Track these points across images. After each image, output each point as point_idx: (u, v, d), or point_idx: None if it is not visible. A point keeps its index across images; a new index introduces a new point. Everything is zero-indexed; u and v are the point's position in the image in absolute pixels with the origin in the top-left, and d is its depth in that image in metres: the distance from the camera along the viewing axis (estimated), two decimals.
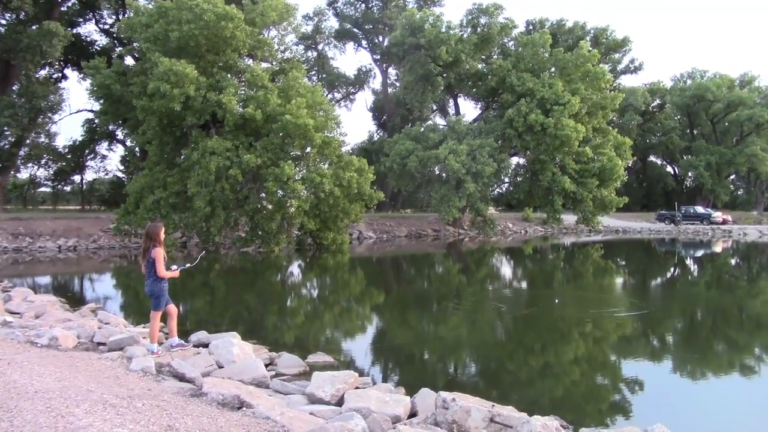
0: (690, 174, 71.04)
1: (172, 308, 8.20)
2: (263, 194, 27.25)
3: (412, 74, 41.25)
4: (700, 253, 33.64)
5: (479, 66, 43.13)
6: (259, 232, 27.20)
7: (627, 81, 65.89)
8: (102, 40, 43.28)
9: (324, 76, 50.93)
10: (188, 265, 8.88)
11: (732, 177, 75.46)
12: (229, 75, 28.43)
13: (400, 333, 11.90)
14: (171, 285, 8.23)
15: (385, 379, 8.03)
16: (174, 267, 8.18)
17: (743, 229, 49.45)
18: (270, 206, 27.05)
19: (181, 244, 27.96)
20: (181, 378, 6.68)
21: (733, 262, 29.25)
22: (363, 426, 5.01)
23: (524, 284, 20.65)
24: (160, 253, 7.84)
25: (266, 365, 7.72)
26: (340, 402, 6.19)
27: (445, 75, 42.20)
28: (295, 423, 5.15)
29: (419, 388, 6.41)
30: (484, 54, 43.07)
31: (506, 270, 25.54)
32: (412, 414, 5.86)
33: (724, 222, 55.13)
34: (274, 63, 32.49)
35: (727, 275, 23.10)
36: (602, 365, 9.44)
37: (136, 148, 37.83)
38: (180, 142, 28.63)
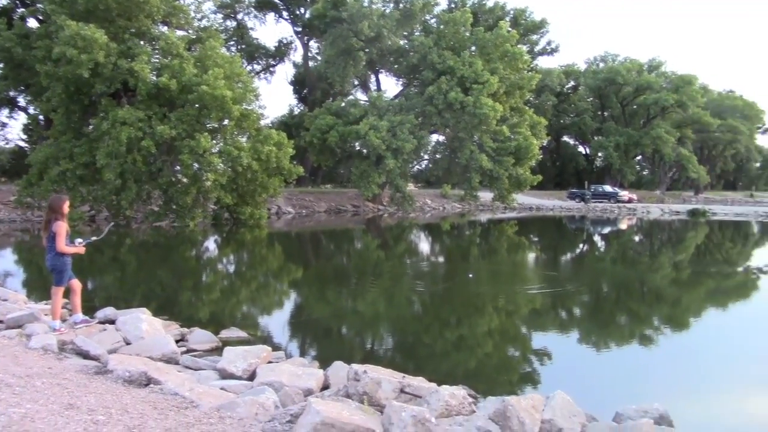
0: (600, 154, 73.90)
1: (76, 283, 7.84)
2: (178, 167, 26.45)
3: (333, 48, 40.79)
4: (607, 230, 35.18)
5: (401, 42, 43.12)
6: (173, 206, 26.40)
7: (543, 62, 67.66)
8: (1, 0, 40.46)
9: (243, 46, 49.55)
10: (94, 238, 8.51)
11: (638, 158, 79.09)
12: (141, 42, 27.26)
13: (317, 308, 11.88)
14: (78, 260, 7.89)
15: (301, 354, 8.00)
16: (79, 241, 7.82)
17: (647, 208, 52.01)
18: (185, 179, 26.30)
19: (89, 218, 26.78)
20: (86, 355, 6.42)
21: (636, 238, 30.75)
22: (274, 399, 4.97)
23: (441, 260, 21.02)
24: (62, 227, 7.47)
25: (177, 341, 7.52)
26: (252, 377, 6.12)
27: (367, 50, 41.96)
28: (204, 398, 5.05)
29: (334, 362, 6.42)
30: (406, 30, 43.08)
31: (424, 246, 25.91)
32: (325, 387, 5.87)
33: (630, 201, 57.82)
34: (190, 31, 31.38)
35: (631, 251, 24.29)
36: (513, 337, 9.75)
37: (40, 117, 35.64)
38: (88, 111, 27.27)
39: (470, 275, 15.88)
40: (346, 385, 5.18)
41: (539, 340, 9.36)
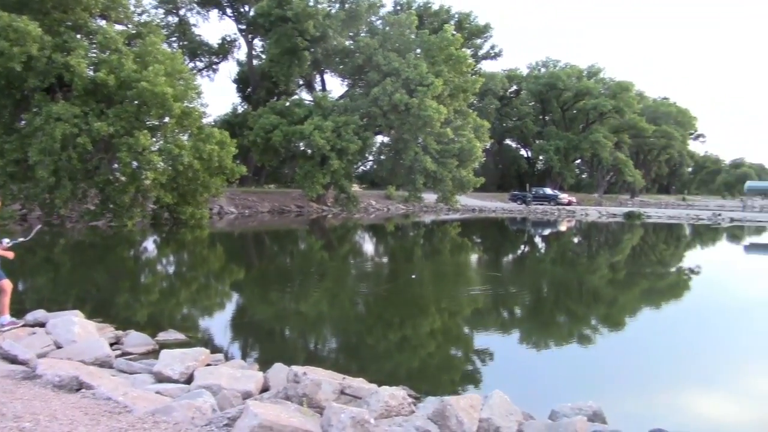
0: (541, 157, 75.54)
1: (6, 284, 7.52)
2: (116, 165, 25.69)
3: (278, 47, 40.44)
4: (547, 231, 35.96)
5: (347, 43, 43.08)
6: (111, 206, 25.64)
7: (487, 66, 68.75)
8: None
9: (185, 43, 48.53)
10: (22, 239, 8.17)
11: (578, 161, 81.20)
12: (78, 36, 26.34)
13: (259, 309, 11.73)
14: (8, 260, 7.56)
15: (241, 356, 7.87)
16: (5, 241, 7.50)
17: (585, 210, 53.42)
18: (123, 178, 25.56)
19: (21, 216, 25.75)
20: (13, 360, 6.15)
21: (575, 240, 31.55)
22: (211, 403, 4.87)
23: (385, 261, 21.07)
24: None
25: (111, 344, 7.30)
26: (189, 380, 5.99)
27: (312, 50, 41.76)
28: (139, 403, 4.91)
29: (274, 364, 6.34)
30: (352, 31, 43.07)
31: (368, 247, 25.93)
32: (265, 389, 5.79)
33: (569, 203, 59.29)
34: (129, 26, 30.49)
35: (570, 252, 24.90)
36: (455, 338, 9.84)
37: None
38: (20, 106, 26.21)
39: (413, 276, 15.96)
40: (285, 387, 5.13)
41: (480, 340, 9.48)
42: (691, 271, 18.90)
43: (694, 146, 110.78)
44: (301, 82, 50.22)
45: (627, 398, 6.57)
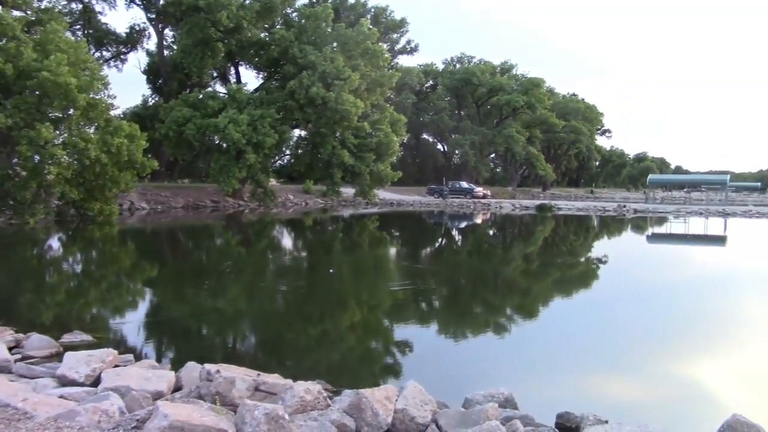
0: (457, 151, 77.07)
1: None
2: (16, 159, 24.28)
3: (190, 37, 39.28)
4: (463, 224, 36.69)
5: (262, 35, 42.44)
6: (10, 202, 24.21)
7: (404, 61, 69.30)
8: None
9: (90, 32, 46.38)
10: None
11: (492, 156, 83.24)
12: None
13: (173, 307, 11.38)
14: None
15: (153, 356, 7.61)
16: None
17: (500, 203, 54.83)
18: (24, 172, 24.18)
19: None
20: None
21: (491, 232, 32.35)
22: (119, 405, 4.68)
23: (303, 255, 20.92)
24: None
25: (10, 348, 6.89)
26: (96, 383, 5.72)
27: (226, 41, 40.79)
28: (40, 408, 4.65)
29: (187, 363, 6.16)
30: (267, 23, 42.45)
31: (286, 241, 25.67)
32: (177, 389, 5.62)
33: (485, 196, 60.72)
34: (29, 12, 28.90)
35: (485, 244, 25.52)
36: (373, 331, 9.88)
37: None
38: None
39: (331, 270, 15.92)
40: (198, 386, 4.99)
41: (398, 332, 9.55)
42: (599, 260, 19.74)
43: (601, 141, 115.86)
44: (214, 74, 48.99)
45: (537, 384, 6.79)
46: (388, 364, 7.86)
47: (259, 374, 5.26)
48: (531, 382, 6.82)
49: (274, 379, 5.14)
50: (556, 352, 8.34)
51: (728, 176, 77.15)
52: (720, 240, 28.21)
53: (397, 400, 4.62)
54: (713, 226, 36.02)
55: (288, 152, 45.71)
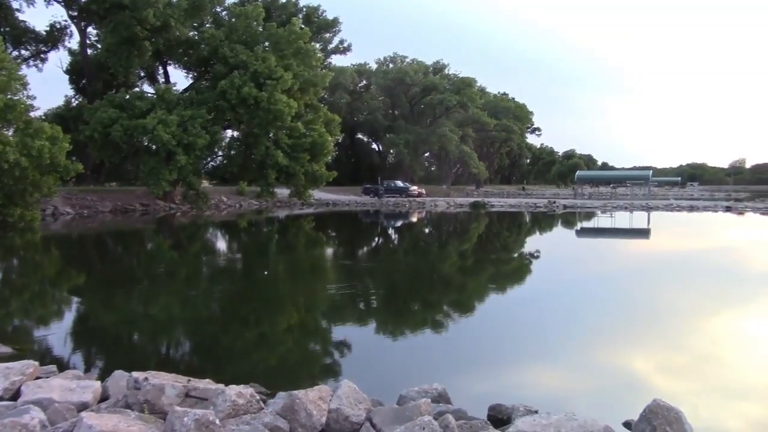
0: (392, 151, 77.45)
1: None
2: None
3: (114, 36, 38.02)
4: (399, 223, 36.90)
5: (191, 34, 41.52)
6: None
7: (337, 60, 69.12)
8: None
9: (7, 29, 44.29)
10: None
11: (426, 154, 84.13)
12: None
13: (101, 316, 10.96)
14: None
15: (79, 366, 7.29)
16: None
17: (435, 201, 55.44)
18: None
19: None
20: None
21: (427, 230, 32.66)
22: (41, 419, 4.45)
23: (238, 258, 20.57)
24: None
25: None
26: (15, 396, 5.44)
27: (153, 40, 39.69)
28: None
29: (114, 372, 5.93)
30: (196, 21, 41.59)
31: (221, 244, 25.21)
32: (104, 399, 5.40)
33: (420, 195, 61.26)
34: None
35: (421, 242, 25.73)
36: (308, 332, 9.78)
37: None
38: None
39: (266, 272, 15.72)
40: (126, 394, 4.81)
41: (334, 332, 9.50)
42: (531, 255, 20.20)
43: (531, 139, 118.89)
44: (142, 74, 47.64)
45: (471, 378, 6.87)
46: (323, 365, 7.80)
47: (189, 380, 5.11)
48: (465, 376, 6.91)
49: (205, 384, 5.01)
50: (491, 346, 8.47)
51: (650, 172, 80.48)
52: (644, 233, 29.33)
53: (331, 400, 4.58)
54: (638, 219, 37.44)
55: (220, 153, 44.91)
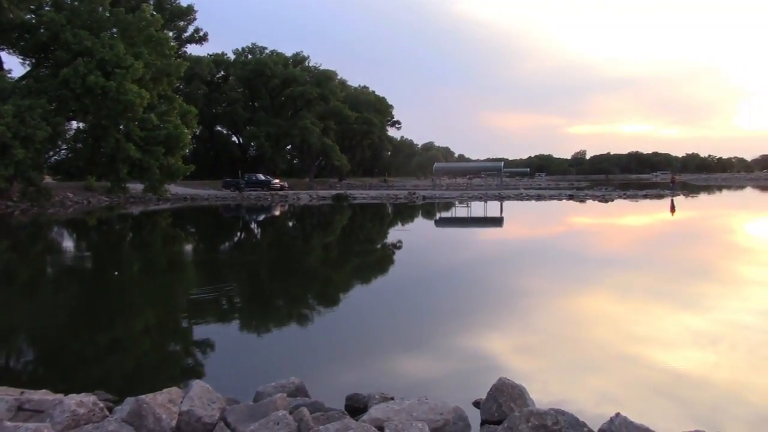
0: (253, 143, 76.12)
1: None
2: None
3: None
4: (261, 217, 36.26)
5: (27, 17, 38.21)
6: None
7: (192, 50, 66.56)
8: None
9: None
10: None
11: (288, 147, 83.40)
12: None
13: None
14: None
15: None
16: None
17: (297, 194, 55.06)
18: None
19: None
20: None
21: (290, 224, 32.32)
22: None
23: (87, 258, 19.23)
24: None
25: None
26: None
27: None
28: None
29: None
30: (33, 4, 38.33)
31: (67, 244, 23.47)
32: None
33: (282, 188, 60.66)
34: None
35: (285, 236, 25.43)
36: (164, 334, 9.31)
37: None
38: None
39: (116, 273, 14.82)
40: None
41: (191, 332, 9.11)
42: (392, 246, 20.57)
43: (392, 132, 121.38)
44: None
45: (330, 370, 6.86)
46: (180, 367, 7.46)
47: (23, 392, 4.68)
48: (325, 369, 6.88)
49: (41, 395, 4.59)
50: (351, 337, 8.51)
51: (502, 163, 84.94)
52: (497, 221, 30.85)
53: (182, 402, 4.36)
54: (492, 208, 39.34)
55: (65, 146, 41.79)
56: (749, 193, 60.89)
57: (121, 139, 35.91)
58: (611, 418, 4.24)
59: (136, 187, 41.26)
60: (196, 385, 4.53)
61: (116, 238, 24.82)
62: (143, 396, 4.25)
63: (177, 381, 6.74)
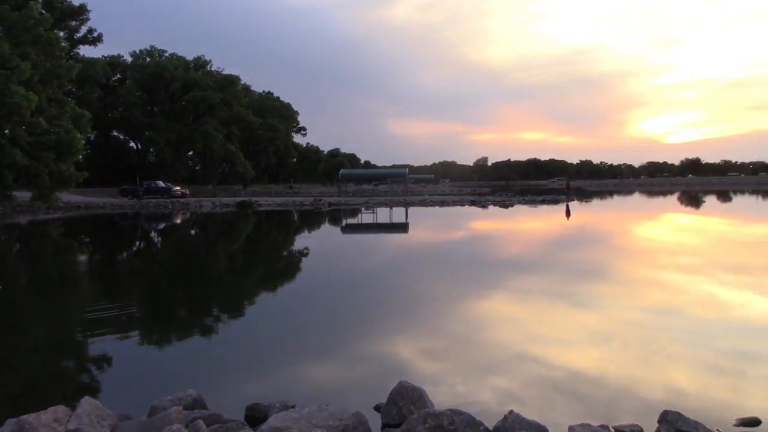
0: (152, 149, 73.54)
1: None
2: None
3: None
4: (162, 225, 35.04)
5: None
6: None
7: (86, 51, 63.59)
8: None
9: None
10: None
11: (190, 153, 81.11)
12: None
13: None
14: None
15: None
16: None
17: (200, 202, 53.63)
18: None
19: None
20: None
21: (192, 232, 31.41)
22: None
23: None
24: None
25: None
26: None
27: None
28: None
29: None
30: None
31: None
32: None
33: (183, 195, 58.93)
34: None
35: (187, 244, 24.68)
36: (53, 350, 8.76)
37: None
38: None
39: (1, 287, 13.86)
40: None
41: (84, 348, 8.61)
42: (298, 253, 20.39)
43: (297, 138, 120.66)
44: None
45: (230, 381, 6.71)
46: (69, 384, 7.04)
47: None
48: (225, 379, 6.72)
49: None
50: (253, 347, 8.36)
51: (407, 169, 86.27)
52: (403, 227, 31.25)
53: (69, 420, 4.13)
54: (397, 214, 39.80)
55: None
56: (637, 198, 64.93)
57: (6, 144, 33.72)
58: (505, 415, 4.44)
59: (24, 195, 38.89)
60: (85, 402, 4.30)
61: (1, 249, 23.27)
62: (25, 416, 3.98)
63: (69, 399, 6.36)
